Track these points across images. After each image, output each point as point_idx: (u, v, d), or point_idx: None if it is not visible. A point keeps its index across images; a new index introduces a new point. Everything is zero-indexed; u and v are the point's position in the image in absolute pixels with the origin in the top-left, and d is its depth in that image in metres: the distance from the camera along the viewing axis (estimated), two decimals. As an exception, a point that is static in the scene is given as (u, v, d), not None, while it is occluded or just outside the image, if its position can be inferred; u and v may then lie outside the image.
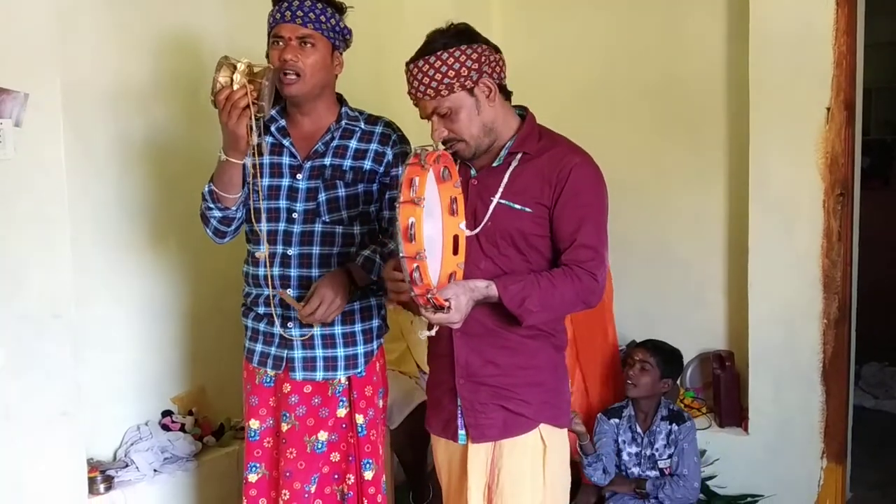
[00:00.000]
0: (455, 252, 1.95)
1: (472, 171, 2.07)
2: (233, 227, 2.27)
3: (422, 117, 2.03)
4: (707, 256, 3.75)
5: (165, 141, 3.07)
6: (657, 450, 3.14)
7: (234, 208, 2.21)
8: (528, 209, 1.98)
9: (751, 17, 3.24)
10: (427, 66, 1.94)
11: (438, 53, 1.93)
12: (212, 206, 2.21)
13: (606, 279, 2.01)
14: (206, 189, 2.21)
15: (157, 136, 3.05)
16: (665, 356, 3.24)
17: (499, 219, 2.00)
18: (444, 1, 3.97)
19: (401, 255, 1.76)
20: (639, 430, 3.18)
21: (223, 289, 3.13)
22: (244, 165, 2.18)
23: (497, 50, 2.03)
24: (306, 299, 2.13)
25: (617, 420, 3.22)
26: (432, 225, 1.93)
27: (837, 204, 3.11)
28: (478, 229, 2.01)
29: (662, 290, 3.87)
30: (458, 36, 1.96)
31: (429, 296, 1.79)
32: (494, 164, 2.04)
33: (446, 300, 1.82)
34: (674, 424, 3.14)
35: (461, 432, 2.08)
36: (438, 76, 1.93)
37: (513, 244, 2.00)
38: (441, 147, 1.98)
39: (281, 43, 2.16)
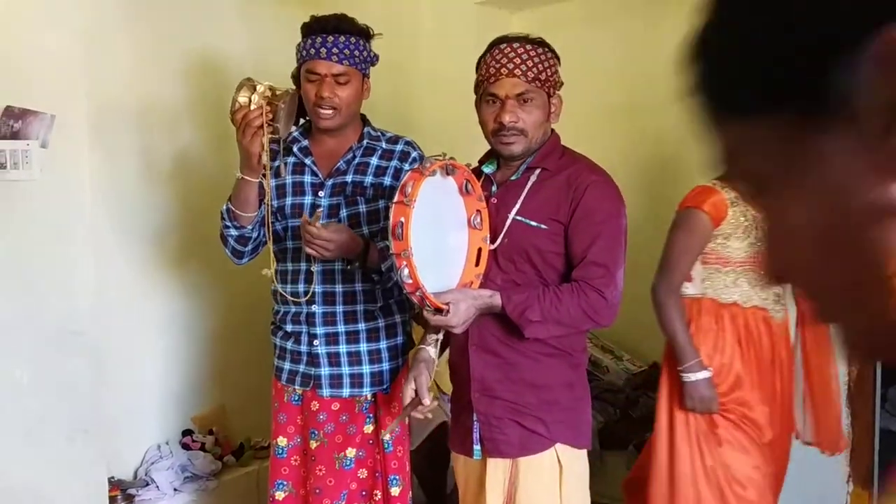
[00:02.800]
0: (477, 263, 2.00)
1: (494, 188, 2.08)
2: (250, 248, 2.30)
3: (501, 96, 1.97)
4: (729, 277, 3.71)
5: (190, 161, 3.10)
6: None
7: (249, 227, 2.23)
8: (543, 226, 1.99)
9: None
10: (532, 52, 1.97)
11: (541, 49, 1.98)
12: (229, 224, 2.24)
13: (619, 298, 1.99)
14: (224, 208, 2.24)
15: (182, 156, 3.09)
16: None
17: (515, 235, 2.01)
18: (464, 22, 4.01)
19: (390, 252, 1.82)
20: None
21: (244, 308, 3.15)
22: (262, 186, 2.21)
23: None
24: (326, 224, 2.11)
25: None
26: (458, 236, 1.98)
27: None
28: (496, 244, 2.02)
29: (684, 311, 3.83)
30: (552, 50, 2.04)
31: (418, 294, 1.83)
32: (513, 178, 2.05)
33: (445, 304, 1.86)
34: None
35: (476, 447, 2.08)
36: (541, 66, 1.97)
37: (528, 260, 2.01)
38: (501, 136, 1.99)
39: (316, 80, 2.19)
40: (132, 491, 2.82)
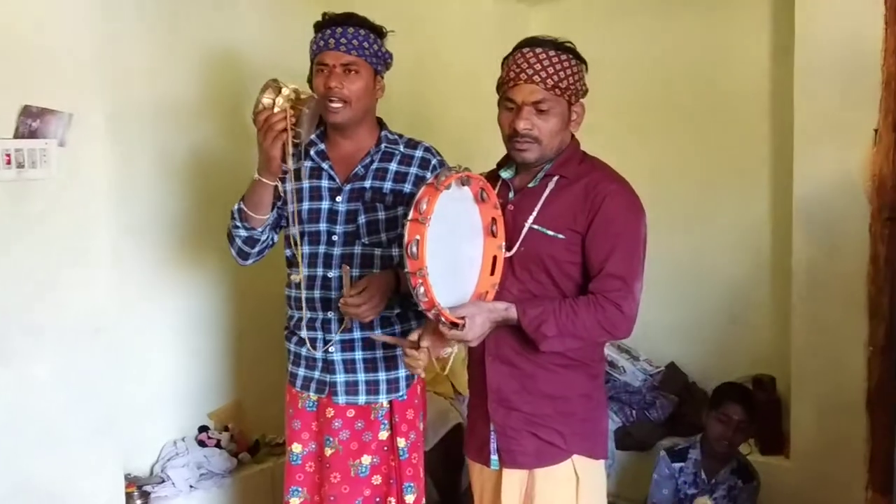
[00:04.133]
0: (492, 272, 1.97)
1: (511, 195, 2.06)
2: (256, 250, 2.27)
3: (507, 99, 1.97)
4: (749, 277, 3.69)
5: (208, 158, 3.10)
6: (715, 499, 3.02)
7: (259, 230, 2.21)
8: (560, 236, 1.96)
9: (796, 38, 3.18)
10: (556, 59, 1.94)
11: (564, 56, 1.95)
12: (238, 224, 2.22)
13: (637, 310, 1.96)
14: (236, 207, 2.22)
15: (200, 152, 3.09)
16: (754, 414, 3.08)
17: (531, 244, 1.98)
18: (484, 18, 3.98)
19: (406, 270, 1.79)
20: (703, 476, 3.06)
21: (262, 305, 3.15)
22: (283, 190, 2.20)
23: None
24: (358, 287, 2.11)
25: (681, 464, 3.08)
26: (473, 244, 1.96)
27: (885, 228, 3.03)
28: (511, 251, 2.00)
29: (704, 310, 3.82)
30: (579, 56, 2.00)
31: (433, 311, 1.82)
32: (530, 185, 2.02)
33: (461, 318, 1.84)
34: (739, 480, 3.03)
35: (493, 457, 2.06)
36: (561, 73, 1.93)
37: (545, 270, 1.98)
38: (520, 136, 1.96)
39: (325, 70, 2.18)
40: (148, 488, 2.82)
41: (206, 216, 3.05)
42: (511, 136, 1.97)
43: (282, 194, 2.22)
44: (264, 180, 2.12)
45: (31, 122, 2.26)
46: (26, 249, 2.29)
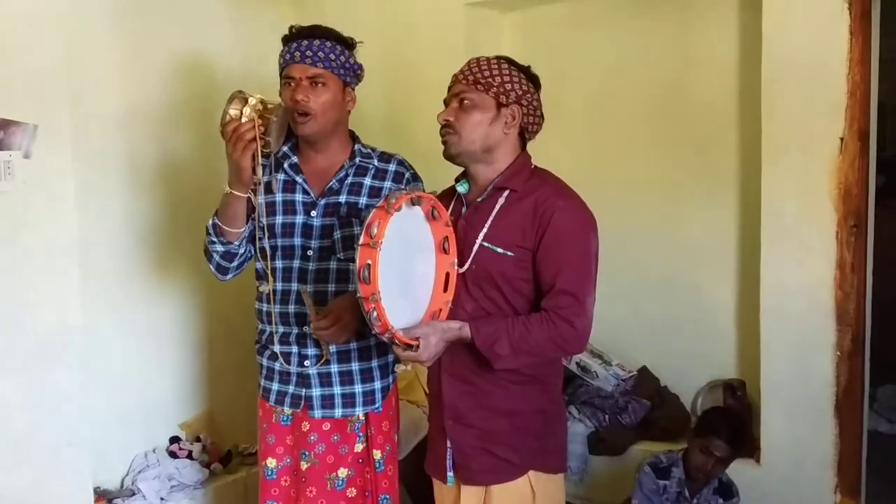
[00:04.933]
0: (445, 289, 1.98)
1: (463, 209, 2.07)
2: (235, 264, 2.26)
3: (444, 99, 2.07)
4: (718, 284, 3.71)
5: (178, 167, 3.08)
6: None
7: (236, 243, 2.20)
8: (510, 253, 1.97)
9: (763, 45, 3.21)
10: (485, 63, 2.02)
11: (501, 61, 2.02)
12: (215, 240, 2.20)
13: (589, 326, 1.97)
14: (210, 223, 2.20)
15: (169, 162, 3.06)
16: (740, 445, 3.05)
17: (482, 261, 2.00)
18: (456, 24, 3.98)
19: (358, 296, 1.80)
20: (686, 494, 3.05)
21: (232, 315, 3.13)
22: (251, 202, 2.19)
23: (541, 112, 2.10)
24: (323, 312, 2.13)
25: (665, 482, 3.07)
26: (426, 261, 1.97)
27: (851, 235, 3.07)
28: (464, 268, 2.01)
29: (673, 317, 3.83)
30: (526, 71, 2.07)
31: (387, 335, 1.83)
32: (479, 200, 2.04)
33: (415, 339, 1.86)
34: (721, 499, 3.03)
35: (450, 474, 2.07)
36: (487, 73, 2.00)
37: (496, 287, 1.99)
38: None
39: (292, 83, 2.17)
40: (118, 501, 2.81)
41: (176, 226, 3.03)
42: (441, 129, 2.05)
43: (255, 206, 2.21)
44: (236, 192, 2.11)
45: (-5, 133, 2.23)
46: (-8, 263, 2.26)
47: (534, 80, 2.07)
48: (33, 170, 2.32)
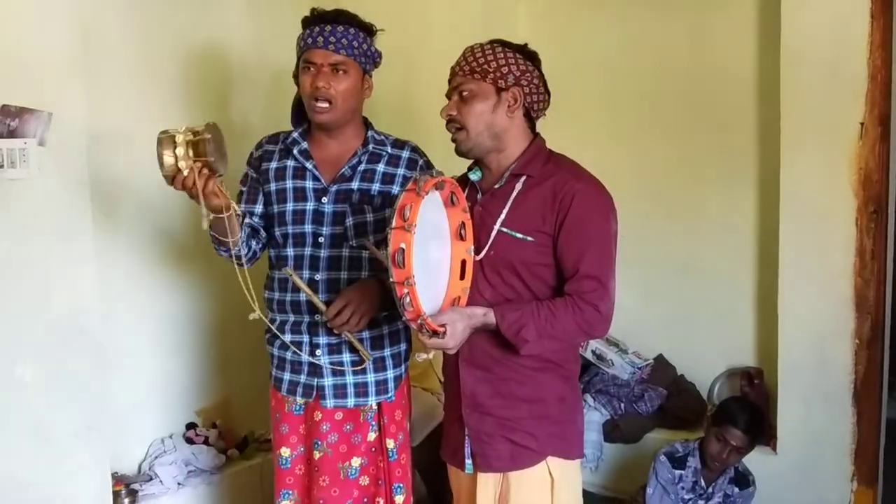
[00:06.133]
0: (462, 277, 1.97)
1: (479, 196, 2.06)
2: (244, 260, 2.20)
3: (446, 94, 2.06)
4: (736, 270, 3.69)
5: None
6: None
7: (236, 250, 2.15)
8: (529, 238, 1.96)
9: (782, 31, 3.17)
10: (479, 50, 2.00)
11: (495, 46, 2.00)
12: (217, 247, 2.21)
13: (613, 309, 1.97)
14: (209, 233, 2.14)
15: (182, 149, 3.06)
16: (757, 435, 3.06)
17: (501, 247, 1.98)
18: (471, 11, 3.96)
19: (391, 280, 1.78)
20: (702, 483, 3.06)
21: (248, 301, 3.13)
22: (243, 192, 2.24)
23: (546, 89, 2.06)
24: (335, 304, 2.12)
25: (681, 472, 3.07)
26: (442, 248, 1.95)
27: (871, 221, 3.04)
28: (481, 255, 2.00)
29: (690, 304, 3.82)
30: (521, 50, 2.04)
31: (419, 321, 1.81)
32: (497, 186, 2.02)
33: (441, 326, 1.84)
34: (736, 488, 3.04)
35: (468, 461, 2.07)
36: (482, 60, 1.98)
37: (515, 273, 1.98)
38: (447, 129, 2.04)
39: (313, 69, 2.14)
40: (136, 486, 2.82)
41: (190, 212, 3.03)
42: (447, 124, 2.05)
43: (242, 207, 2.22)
44: (217, 215, 2.03)
45: (10, 121, 2.23)
46: (8, 250, 2.27)
47: (531, 58, 2.03)
48: (48, 157, 2.32)
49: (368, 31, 2.21)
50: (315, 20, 2.17)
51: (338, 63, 2.13)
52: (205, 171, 1.90)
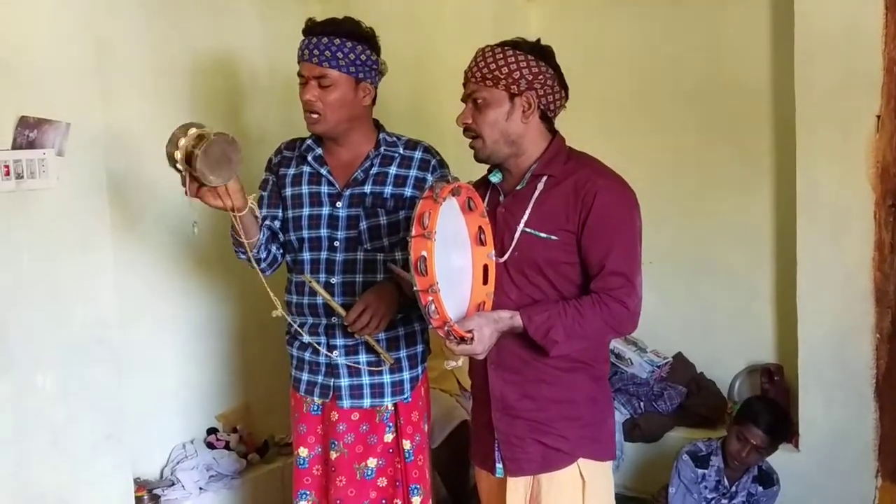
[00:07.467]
0: (485, 282, 1.94)
1: (501, 198, 2.05)
2: (264, 265, 2.27)
3: (462, 99, 2.04)
4: (754, 267, 3.67)
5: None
6: None
7: (255, 251, 2.19)
8: (554, 237, 1.94)
9: (796, 23, 3.15)
10: (490, 54, 1.96)
11: (506, 49, 1.95)
12: (237, 250, 2.25)
13: (640, 305, 1.96)
14: (230, 235, 2.22)
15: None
16: (779, 436, 3.03)
17: (525, 248, 1.97)
18: (483, 10, 3.96)
19: (415, 288, 1.77)
20: (725, 482, 3.04)
21: (267, 306, 3.15)
22: (264, 198, 2.26)
23: (562, 84, 2.02)
24: (353, 311, 2.13)
25: (704, 471, 3.05)
26: (462, 255, 1.93)
27: (889, 215, 3.01)
28: (505, 257, 1.98)
29: (709, 301, 3.80)
30: (535, 49, 1.99)
31: (446, 328, 1.80)
32: (518, 188, 2.01)
33: (469, 332, 1.82)
34: (760, 487, 3.02)
35: (498, 465, 2.05)
36: (493, 66, 1.94)
37: (541, 273, 1.96)
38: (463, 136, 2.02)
39: (302, 81, 2.18)
40: (158, 491, 2.85)
41: (209, 220, 3.05)
42: (464, 133, 2.03)
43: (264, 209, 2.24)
44: (237, 214, 2.07)
45: (29, 132, 2.26)
46: (28, 260, 2.30)
47: (545, 55, 1.99)
48: (67, 167, 2.35)
49: (363, 38, 2.19)
50: (306, 31, 2.19)
51: (321, 76, 2.14)
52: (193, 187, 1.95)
